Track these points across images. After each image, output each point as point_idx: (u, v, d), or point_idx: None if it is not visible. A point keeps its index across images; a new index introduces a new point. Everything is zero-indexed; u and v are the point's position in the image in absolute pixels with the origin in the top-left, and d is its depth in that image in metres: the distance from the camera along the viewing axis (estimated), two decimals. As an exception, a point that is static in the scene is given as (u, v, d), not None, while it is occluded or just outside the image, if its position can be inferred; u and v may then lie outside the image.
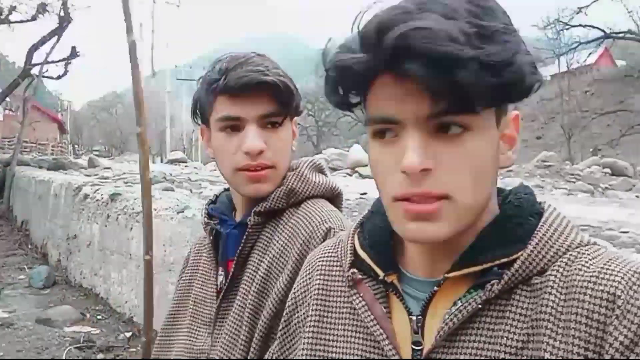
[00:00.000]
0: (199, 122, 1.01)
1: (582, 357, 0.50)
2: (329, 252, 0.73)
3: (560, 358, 0.51)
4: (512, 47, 0.51)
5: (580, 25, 19.75)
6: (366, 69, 0.53)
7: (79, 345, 3.27)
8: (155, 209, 3.64)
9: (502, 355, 0.55)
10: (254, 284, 0.93)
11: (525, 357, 0.54)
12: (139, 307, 3.66)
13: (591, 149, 23.54)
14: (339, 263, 0.70)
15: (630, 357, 0.49)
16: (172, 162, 17.55)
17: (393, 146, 0.55)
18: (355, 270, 0.65)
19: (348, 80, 0.56)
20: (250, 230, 0.95)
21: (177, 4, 29.65)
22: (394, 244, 0.65)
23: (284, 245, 0.93)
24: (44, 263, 5.43)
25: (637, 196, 8.07)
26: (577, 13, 19.70)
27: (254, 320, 0.91)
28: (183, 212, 3.35)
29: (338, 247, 0.72)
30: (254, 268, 0.95)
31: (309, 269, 0.74)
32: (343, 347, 0.65)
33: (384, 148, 0.56)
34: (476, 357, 0.56)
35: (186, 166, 15.95)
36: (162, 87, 34.69)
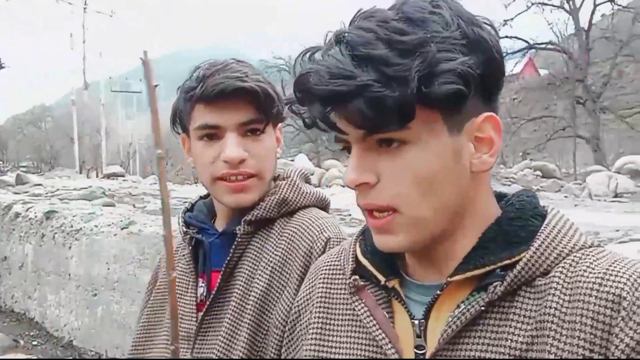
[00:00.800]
0: (179, 131, 0.98)
1: (587, 359, 0.50)
2: (332, 261, 0.74)
3: (566, 359, 0.51)
4: (426, 58, 0.52)
5: (506, 36, 20.90)
6: (306, 114, 0.59)
7: (14, 374, 3.04)
8: (96, 226, 3.47)
9: (506, 357, 0.55)
10: (252, 298, 0.89)
11: (531, 358, 0.54)
12: (80, 330, 3.46)
13: (521, 153, 24.92)
14: (341, 271, 0.71)
15: (637, 358, 0.49)
16: (109, 176, 16.84)
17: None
18: (357, 277, 0.66)
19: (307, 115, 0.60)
20: (239, 240, 0.91)
21: (110, 13, 28.67)
22: (394, 252, 0.64)
23: (283, 257, 0.90)
24: (-31, 289, 5.01)
25: (565, 197, 8.61)
26: (503, 25, 20.85)
27: (254, 333, 0.87)
28: (128, 227, 3.21)
29: (341, 255, 0.72)
30: (245, 280, 0.91)
31: (312, 278, 0.75)
32: (346, 353, 0.65)
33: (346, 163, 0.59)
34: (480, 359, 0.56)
35: (124, 180, 15.34)
36: (96, 99, 33.29)
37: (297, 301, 0.75)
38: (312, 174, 12.07)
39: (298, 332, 0.73)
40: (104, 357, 3.21)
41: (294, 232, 0.92)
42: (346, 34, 0.55)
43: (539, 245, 0.57)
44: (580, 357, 0.50)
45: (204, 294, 0.94)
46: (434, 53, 0.52)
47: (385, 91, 0.51)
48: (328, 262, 0.74)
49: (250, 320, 0.88)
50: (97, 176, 24.50)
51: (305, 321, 0.72)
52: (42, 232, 4.00)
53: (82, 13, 28.87)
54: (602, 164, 16.56)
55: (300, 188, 0.97)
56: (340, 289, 0.70)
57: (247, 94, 0.88)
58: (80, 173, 24.80)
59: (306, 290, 0.75)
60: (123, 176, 17.25)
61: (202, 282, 0.95)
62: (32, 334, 3.83)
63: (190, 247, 0.96)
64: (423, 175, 0.55)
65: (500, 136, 0.59)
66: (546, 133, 22.87)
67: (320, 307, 0.70)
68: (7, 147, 44.93)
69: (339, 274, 0.71)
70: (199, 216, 1.00)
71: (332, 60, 0.54)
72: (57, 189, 7.56)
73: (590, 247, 0.58)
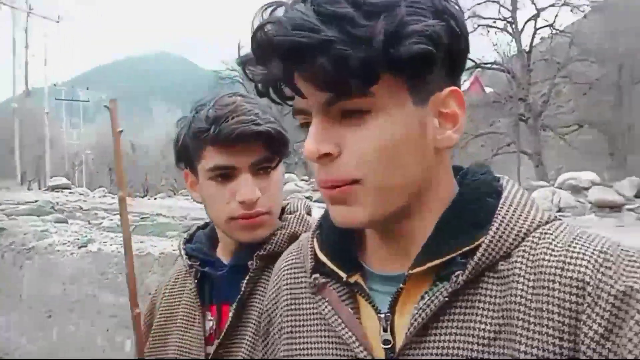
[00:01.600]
0: (182, 166, 0.98)
1: (557, 347, 0.50)
2: (293, 259, 0.72)
3: (537, 348, 0.50)
4: (393, 19, 0.50)
5: (454, 55, 21.77)
6: (260, 72, 0.55)
7: (-41, 404, 2.86)
8: (50, 245, 3.34)
9: (474, 347, 0.53)
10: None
11: (498, 347, 0.53)
12: (32, 354, 3.30)
13: (469, 168, 25.74)
14: (303, 269, 0.68)
15: (606, 345, 0.48)
16: (54, 188, 16.08)
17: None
18: (318, 276, 0.63)
19: (261, 79, 0.56)
20: (251, 275, 0.92)
21: (56, 19, 27.60)
22: (355, 240, 0.63)
23: None
24: None
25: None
26: (452, 45, 21.80)
27: None
28: (86, 246, 3.12)
29: (301, 252, 0.70)
30: (257, 314, 0.91)
31: (276, 280, 0.73)
32: (316, 354, 0.63)
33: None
34: (449, 351, 0.54)
35: (70, 192, 14.71)
36: (39, 107, 31.81)
37: (266, 305, 0.73)
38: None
39: (272, 337, 0.71)
40: (61, 382, 3.07)
41: None
42: None
43: (497, 228, 0.55)
44: (551, 346, 0.50)
45: (214, 327, 0.94)
46: (402, 14, 0.50)
47: (349, 51, 0.49)
48: (289, 260, 0.72)
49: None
50: (39, 188, 23.33)
51: (277, 325, 0.70)
52: (-11, 251, 3.80)
53: (26, 18, 27.66)
54: (544, 179, 17.44)
55: (308, 222, 0.98)
56: (304, 288, 0.67)
57: (261, 136, 0.90)
58: (22, 184, 23.55)
59: (272, 292, 0.72)
60: (69, 188, 16.54)
61: (211, 316, 0.95)
62: (-22, 359, 3.61)
63: (195, 281, 0.96)
64: (388, 145, 0.53)
65: (464, 112, 0.57)
66: (492, 148, 23.83)
67: (287, 309, 0.68)
68: (-61, 156, 41.97)
69: (302, 273, 0.68)
70: (201, 248, 1.00)
71: (295, 14, 0.51)
72: (0, 203, 7.17)
73: (547, 222, 0.56)
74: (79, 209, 6.74)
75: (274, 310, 0.71)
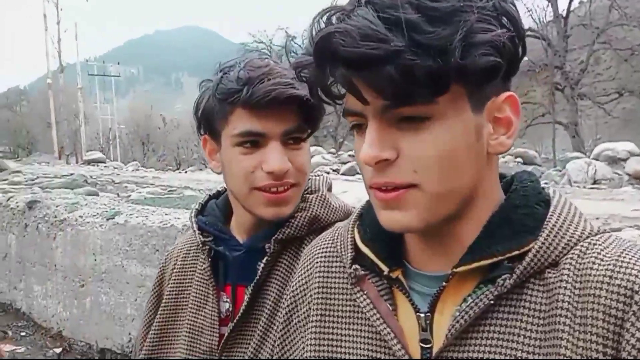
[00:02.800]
0: (202, 132, 0.91)
1: (601, 354, 0.50)
2: (327, 247, 0.69)
3: (580, 355, 0.50)
4: (462, 28, 0.49)
5: (488, 22, 21.03)
6: (319, 75, 0.55)
7: (2, 366, 3.03)
8: (81, 217, 3.45)
9: (519, 354, 0.53)
10: (280, 315, 0.83)
11: (542, 355, 0.52)
12: (68, 321, 3.46)
13: (501, 139, 25.16)
14: (339, 258, 0.67)
15: None
16: (90, 162, 16.56)
17: (364, 137, 0.55)
18: (358, 267, 0.62)
19: (317, 82, 0.57)
20: (268, 258, 0.87)
21: (86, -5, 27.89)
22: (396, 237, 0.62)
23: None
24: (-50, 279, 4.94)
25: (546, 183, 8.79)
26: (485, 11, 21.03)
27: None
28: (113, 218, 3.20)
29: (337, 241, 0.68)
30: (273, 299, 0.87)
31: (308, 266, 0.70)
32: (349, 347, 0.62)
33: (359, 139, 0.56)
34: (490, 355, 0.54)
35: (105, 166, 15.13)
36: (72, 83, 32.52)
37: (293, 291, 0.71)
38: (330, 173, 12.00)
39: (295, 324, 0.70)
40: (94, 348, 3.22)
41: None
42: None
43: (547, 235, 0.55)
44: (594, 353, 0.50)
45: (230, 309, 0.90)
46: (471, 23, 0.49)
47: (417, 60, 0.48)
48: (323, 248, 0.70)
49: (275, 337, 0.83)
50: (77, 162, 24.07)
51: (303, 312, 0.69)
52: (24, 223, 3.96)
53: (57, -6, 28.05)
54: (580, 150, 16.89)
55: (330, 203, 0.92)
56: (339, 278, 0.66)
57: (296, 102, 0.82)
58: (60, 159, 24.32)
59: (302, 279, 0.71)
60: (104, 162, 17.00)
61: (227, 297, 0.90)
62: (19, 324, 3.81)
63: (209, 259, 0.90)
64: (446, 151, 0.52)
65: (518, 118, 0.57)
66: (526, 119, 23.16)
67: (319, 298, 0.67)
68: (-19, 132, 43.70)
69: (337, 262, 0.67)
70: (215, 223, 0.93)
71: (362, 21, 0.49)
72: (37, 177, 7.44)
73: (597, 234, 0.56)
74: (111, 182, 6.91)
75: (302, 297, 0.69)
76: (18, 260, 4.03)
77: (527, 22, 22.81)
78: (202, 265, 0.92)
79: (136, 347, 1.04)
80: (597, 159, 10.18)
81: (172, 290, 0.96)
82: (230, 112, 0.84)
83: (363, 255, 0.63)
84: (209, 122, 0.89)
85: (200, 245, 0.91)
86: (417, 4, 0.49)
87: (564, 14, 21.53)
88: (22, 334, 3.64)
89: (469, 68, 0.50)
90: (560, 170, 10.35)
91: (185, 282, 0.96)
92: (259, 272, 0.86)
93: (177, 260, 0.99)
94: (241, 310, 0.87)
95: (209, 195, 1.00)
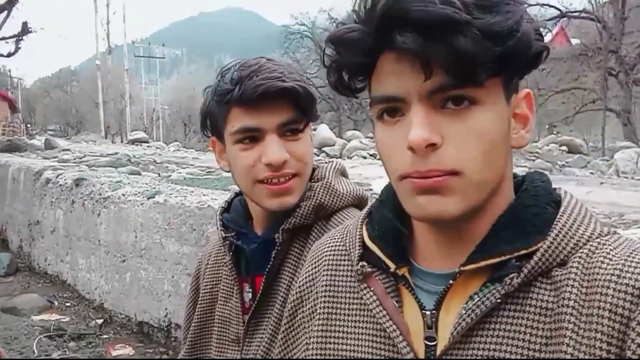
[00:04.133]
0: (209, 134, 0.96)
1: (604, 352, 0.49)
2: (335, 244, 0.70)
3: (584, 353, 0.50)
4: (514, 16, 0.50)
5: (537, 4, 20.17)
6: (364, 48, 0.53)
7: (49, 334, 3.21)
8: (124, 195, 3.58)
9: (525, 352, 0.53)
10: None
11: (549, 353, 0.52)
12: (110, 294, 3.62)
13: (547, 126, 24.34)
14: (346, 256, 0.68)
15: None
16: (133, 142, 17.09)
17: (399, 125, 0.54)
18: (365, 264, 0.63)
19: (351, 67, 0.56)
20: (279, 248, 0.90)
21: (133, -24, 28.51)
22: (404, 235, 0.62)
23: None
24: (3, 250, 5.25)
25: (591, 173, 8.46)
26: (535, -8, 20.20)
27: None
28: (154, 197, 3.30)
29: (346, 239, 0.69)
30: (285, 286, 0.90)
31: (315, 262, 0.71)
32: (354, 344, 0.63)
33: (389, 128, 0.55)
34: (495, 354, 0.54)
35: (148, 146, 15.57)
36: (120, 64, 33.46)
37: (299, 286, 0.72)
38: (334, 144, 12.05)
39: (300, 319, 0.70)
40: (133, 320, 3.36)
41: None
42: None
43: (556, 235, 0.55)
44: (598, 350, 0.49)
45: (252, 298, 0.94)
46: (521, 12, 0.51)
47: (482, 38, 0.49)
48: (332, 245, 0.70)
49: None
50: (121, 141, 24.87)
51: (309, 308, 0.69)
52: (72, 199, 4.14)
53: (105, -25, 28.74)
54: (632, 139, 16.11)
55: (336, 190, 0.94)
56: (347, 275, 0.66)
57: (287, 94, 0.86)
58: (106, 138, 25.20)
59: (308, 275, 0.71)
60: (147, 142, 17.49)
61: (249, 288, 0.95)
62: (65, 295, 4.01)
63: (230, 254, 0.95)
64: (488, 138, 0.52)
65: (533, 114, 0.58)
66: (575, 105, 22.23)
67: (325, 294, 0.67)
68: (35, 110, 45.73)
69: (344, 259, 0.68)
70: (237, 220, 0.98)
71: None
72: (85, 155, 7.74)
73: (607, 234, 0.56)
74: (153, 162, 7.12)
75: (308, 293, 0.70)
76: (65, 235, 4.23)
77: (581, 4, 21.80)
78: (226, 259, 0.98)
79: (182, 339, 1.11)
80: (649, 149, 9.68)
81: (207, 285, 1.03)
82: (227, 112, 0.88)
83: (370, 253, 0.63)
84: (213, 124, 0.93)
85: (222, 241, 0.97)
86: None
87: (622, -6, 20.36)
88: (67, 304, 3.84)
89: (523, 52, 0.51)
90: (608, 160, 9.92)
91: (217, 276, 1.02)
92: (272, 261, 0.90)
93: (210, 256, 1.05)
94: (257, 298, 0.92)
95: (235, 193, 1.05)
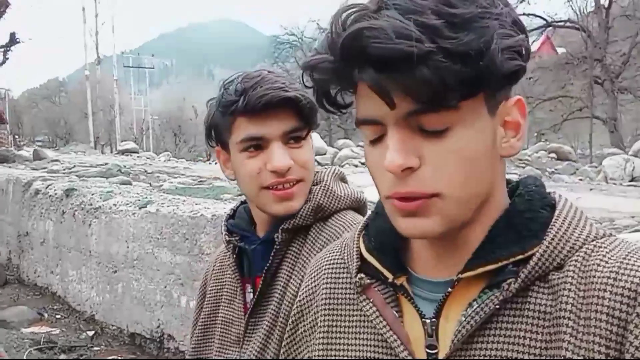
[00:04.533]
0: (213, 144, 0.99)
1: (603, 355, 0.49)
2: (334, 257, 0.71)
3: (582, 357, 0.50)
4: (487, 33, 0.49)
5: (524, 14, 20.46)
6: (337, 76, 0.54)
7: (39, 346, 3.16)
8: (115, 205, 3.55)
9: (525, 356, 0.53)
10: (285, 303, 0.91)
11: (549, 356, 0.52)
12: (101, 305, 3.57)
13: (535, 134, 24.60)
14: (345, 269, 0.68)
15: None
16: (123, 152, 16.99)
17: (380, 146, 0.54)
18: (363, 276, 0.63)
19: (329, 88, 0.57)
20: (277, 247, 0.94)
21: (123, -13, 28.52)
22: (400, 245, 0.63)
23: None
24: (-8, 262, 5.17)
25: (580, 179, 8.55)
26: (521, 2, 20.43)
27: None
28: (145, 207, 3.28)
29: (344, 252, 0.70)
30: (282, 285, 0.93)
31: (315, 276, 0.72)
32: (356, 356, 0.63)
33: (373, 148, 0.56)
34: (496, 359, 0.54)
35: (138, 156, 15.49)
36: (109, 75, 33.31)
37: (300, 300, 0.72)
38: (325, 153, 12.07)
39: (301, 333, 0.71)
40: (125, 332, 3.32)
41: (328, 239, 0.93)
42: (390, 1, 0.50)
43: (552, 239, 0.55)
44: (597, 354, 0.49)
45: (253, 298, 0.96)
46: (493, 29, 0.50)
47: (447, 63, 0.48)
48: (330, 259, 0.71)
49: (282, 323, 0.90)
50: (111, 152, 24.71)
51: (309, 322, 0.70)
52: (62, 209, 4.09)
53: (95, -14, 28.71)
54: (618, 146, 16.33)
55: (334, 192, 0.97)
56: (346, 288, 0.67)
57: (290, 104, 0.90)
58: (95, 149, 25.02)
59: (308, 289, 0.72)
60: (137, 152, 17.41)
61: (250, 288, 0.98)
62: (55, 307, 3.95)
63: (234, 256, 0.98)
64: (469, 158, 0.52)
65: (525, 120, 0.57)
66: (562, 113, 22.51)
67: (325, 308, 0.68)
68: (23, 121, 45.31)
69: (344, 272, 0.68)
70: (241, 224, 1.02)
71: (393, 21, 0.48)
72: (74, 165, 7.68)
73: (602, 237, 0.56)
74: (144, 172, 7.08)
75: (309, 306, 0.71)
76: (55, 246, 4.18)
77: (566, 13, 22.11)
78: (230, 262, 1.01)
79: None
80: (636, 156, 9.82)
81: (212, 289, 1.06)
82: (232, 122, 0.92)
83: (368, 265, 0.63)
84: (218, 134, 0.97)
85: (226, 244, 1.00)
86: (438, 10, 0.49)
87: (606, 4, 20.75)
88: (57, 316, 3.79)
89: (494, 73, 0.50)
90: (596, 167, 10.03)
91: (222, 280, 1.05)
92: (270, 260, 0.94)
93: (216, 262, 1.08)
94: (255, 297, 0.95)
95: (241, 201, 1.09)
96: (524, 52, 0.53)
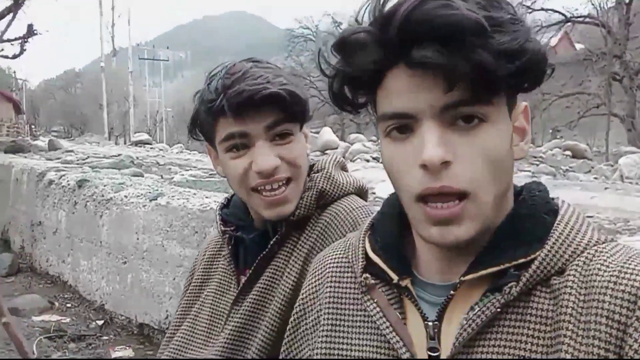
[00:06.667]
0: (198, 138, 0.95)
1: (602, 358, 0.49)
2: (339, 256, 0.71)
3: (582, 358, 0.50)
4: (521, 35, 0.51)
5: (542, 9, 20.16)
6: (374, 58, 0.52)
7: (49, 335, 3.20)
8: (126, 196, 3.57)
9: None
10: (279, 292, 0.88)
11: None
12: (111, 295, 3.60)
13: (551, 130, 24.30)
14: (350, 268, 0.68)
15: None
16: (137, 144, 17.12)
17: (409, 142, 0.53)
18: (368, 276, 0.63)
19: (357, 80, 0.55)
20: (278, 238, 0.90)
21: (138, -21, 28.66)
22: (406, 247, 0.63)
23: (311, 248, 0.88)
24: (5, 250, 5.25)
25: (595, 178, 8.42)
26: (539, -3, 20.18)
27: (282, 327, 0.84)
28: (156, 199, 3.29)
29: (349, 251, 0.69)
30: (277, 275, 0.89)
31: (319, 274, 0.71)
32: (358, 355, 0.63)
33: (399, 145, 0.54)
34: None
35: (151, 148, 15.61)
36: (124, 67, 33.55)
37: (302, 298, 0.72)
38: (337, 148, 12.05)
39: (303, 331, 0.71)
40: (133, 322, 3.34)
41: (327, 222, 0.89)
42: None
43: (554, 243, 0.55)
44: (596, 357, 0.49)
45: None
46: (526, 32, 0.52)
47: (509, 55, 0.50)
48: (335, 257, 0.71)
49: (276, 311, 0.87)
50: (125, 143, 24.95)
51: (312, 320, 0.69)
52: (74, 200, 4.14)
53: (111, -21, 28.89)
54: (636, 144, 16.04)
55: (336, 179, 0.93)
56: (350, 287, 0.67)
57: (272, 99, 0.84)
58: (109, 139, 25.28)
59: (311, 287, 0.71)
60: (150, 144, 17.53)
61: (245, 280, 0.93)
62: (66, 296, 4.00)
63: (229, 247, 0.94)
64: (496, 156, 0.53)
65: (530, 125, 0.60)
66: (579, 110, 22.19)
67: (329, 306, 0.67)
68: (39, 112, 45.89)
69: (348, 272, 0.68)
70: (237, 213, 0.97)
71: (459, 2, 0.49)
72: (88, 156, 7.76)
73: (604, 242, 0.56)
74: (156, 163, 7.12)
75: (311, 305, 0.70)
76: (67, 236, 4.22)
77: (585, 9, 21.73)
78: (225, 252, 0.97)
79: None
80: (654, 154, 9.63)
81: (198, 278, 1.02)
82: (214, 120, 0.87)
83: (373, 265, 0.63)
84: (204, 132, 0.92)
85: (222, 235, 0.96)
86: (481, 12, 0.50)
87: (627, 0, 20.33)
88: (68, 305, 3.83)
89: (539, 71, 0.53)
90: (612, 165, 9.87)
91: (211, 271, 1.00)
92: (268, 247, 0.90)
93: (206, 252, 1.04)
94: (243, 282, 0.91)
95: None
96: (542, 58, 0.54)
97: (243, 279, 0.93)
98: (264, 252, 0.90)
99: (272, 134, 0.87)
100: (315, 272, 0.72)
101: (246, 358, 0.88)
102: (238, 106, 0.83)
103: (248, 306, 0.90)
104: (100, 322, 3.46)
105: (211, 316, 0.96)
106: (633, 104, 19.91)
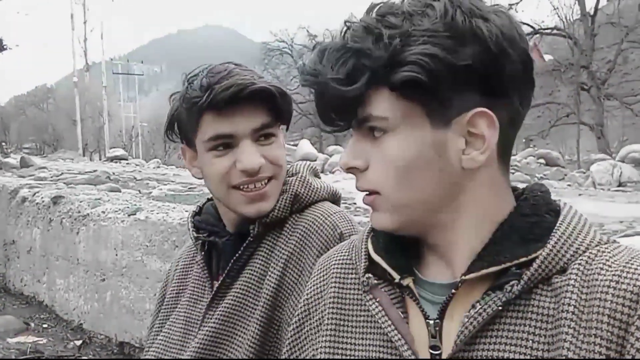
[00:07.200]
0: (175, 140, 0.94)
1: (604, 356, 0.50)
2: (343, 257, 0.72)
3: (583, 357, 0.51)
4: (386, 50, 0.55)
5: (512, 21, 20.71)
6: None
7: (25, 357, 3.10)
8: (103, 212, 3.51)
9: (527, 358, 0.54)
10: (263, 297, 0.87)
11: (551, 358, 0.53)
12: (89, 314, 3.52)
13: (524, 139, 24.84)
14: (353, 269, 0.69)
15: None
16: (112, 159, 16.85)
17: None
18: (371, 275, 0.64)
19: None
20: (251, 239, 0.89)
21: (112, -6, 28.42)
22: (408, 248, 0.65)
23: (295, 254, 0.88)
24: (-23, 271, 5.07)
25: (569, 185, 8.62)
26: (508, 9, 20.70)
27: (266, 329, 0.85)
28: (134, 214, 3.24)
29: (352, 252, 0.71)
30: (254, 279, 0.89)
31: (323, 275, 0.73)
32: (361, 354, 0.64)
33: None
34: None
35: (127, 163, 15.38)
36: (97, 81, 33.11)
37: (307, 299, 0.73)
38: (316, 160, 12.08)
39: (307, 331, 0.72)
40: (113, 341, 3.27)
41: (306, 228, 0.90)
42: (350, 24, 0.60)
43: (555, 243, 0.56)
44: (597, 355, 0.50)
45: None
46: (396, 45, 0.54)
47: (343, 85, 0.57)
48: (339, 258, 0.72)
49: (260, 316, 0.86)
50: (100, 159, 24.53)
51: (316, 320, 0.71)
52: (49, 217, 4.04)
53: (84, -7, 28.60)
54: (605, 152, 16.52)
55: (311, 183, 0.95)
56: (353, 287, 0.68)
57: (260, 97, 0.85)
58: (84, 156, 24.82)
59: (316, 288, 0.73)
60: (126, 159, 17.27)
61: (217, 285, 0.93)
62: (42, 316, 3.89)
63: (202, 253, 0.94)
64: (400, 164, 0.58)
65: (494, 133, 0.57)
66: (550, 120, 22.76)
67: (333, 307, 0.68)
68: (9, 128, 44.81)
69: (351, 272, 0.69)
70: (209, 219, 0.97)
71: (326, 53, 0.59)
72: (62, 173, 7.60)
73: (606, 243, 0.57)
74: (133, 179, 7.02)
75: (316, 305, 0.71)
76: (42, 254, 4.11)
77: (552, 21, 22.40)
78: (198, 259, 0.96)
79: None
80: (623, 161, 9.94)
81: (174, 289, 1.01)
82: (198, 119, 0.87)
83: (376, 265, 0.65)
84: (182, 132, 0.91)
85: (194, 241, 0.96)
86: (379, 33, 0.56)
87: (592, 12, 21.05)
88: (44, 325, 3.72)
89: (391, 83, 0.55)
90: (584, 172, 10.13)
91: (186, 280, 1.00)
92: (240, 252, 0.90)
93: (178, 262, 1.04)
94: (217, 285, 0.91)
95: (207, 198, 1.04)
96: (430, 64, 0.54)
97: (217, 285, 0.93)
98: (237, 254, 0.89)
99: (257, 134, 0.88)
100: (320, 273, 0.74)
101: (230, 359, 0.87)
102: (225, 103, 0.83)
103: (223, 311, 0.89)
104: (78, 343, 3.36)
105: (185, 323, 0.95)
106: (601, 113, 20.52)
